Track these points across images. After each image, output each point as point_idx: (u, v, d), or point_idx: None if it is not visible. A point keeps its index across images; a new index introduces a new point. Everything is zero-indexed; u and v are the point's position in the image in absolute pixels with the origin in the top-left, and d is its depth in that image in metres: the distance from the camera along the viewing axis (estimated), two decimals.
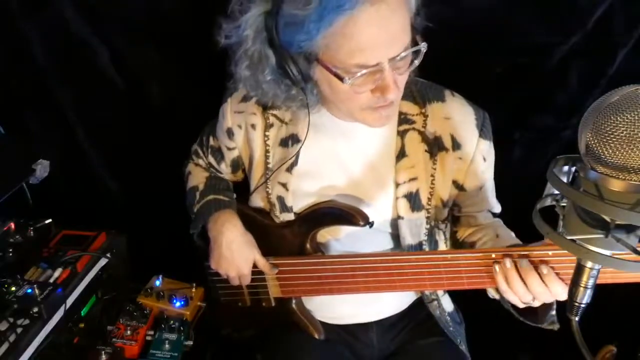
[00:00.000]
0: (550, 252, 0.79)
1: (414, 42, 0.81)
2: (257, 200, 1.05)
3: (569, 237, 0.57)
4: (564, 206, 0.61)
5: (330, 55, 0.78)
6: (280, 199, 1.00)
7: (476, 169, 0.97)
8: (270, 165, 1.00)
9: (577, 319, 0.63)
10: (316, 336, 1.06)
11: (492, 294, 0.94)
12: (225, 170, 1.13)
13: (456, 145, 0.96)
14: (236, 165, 1.10)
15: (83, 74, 1.39)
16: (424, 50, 0.82)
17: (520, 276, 0.79)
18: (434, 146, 0.95)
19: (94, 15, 1.32)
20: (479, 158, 0.97)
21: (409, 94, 0.96)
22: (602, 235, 0.54)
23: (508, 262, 0.80)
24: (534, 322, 0.87)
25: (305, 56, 0.81)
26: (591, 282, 0.60)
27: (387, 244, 1.03)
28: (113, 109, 1.45)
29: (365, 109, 0.86)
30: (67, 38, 1.33)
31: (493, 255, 0.83)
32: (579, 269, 0.61)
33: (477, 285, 0.89)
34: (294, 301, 1.06)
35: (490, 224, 1.02)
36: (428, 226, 0.98)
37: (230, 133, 1.03)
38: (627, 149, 0.49)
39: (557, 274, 0.78)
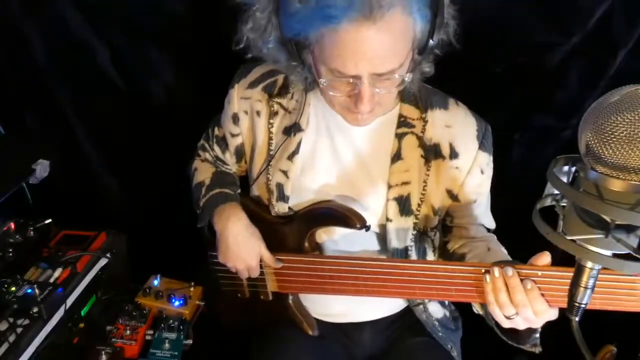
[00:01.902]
0: (539, 273, 0.79)
1: (406, 68, 0.82)
2: (256, 189, 1.06)
3: (569, 237, 0.57)
4: (564, 206, 0.61)
5: (319, 50, 0.80)
6: (279, 186, 1.00)
7: (472, 181, 0.97)
8: (272, 153, 1.01)
9: (577, 319, 0.63)
10: (310, 332, 1.07)
11: (476, 309, 0.94)
12: (229, 160, 1.14)
13: (454, 155, 0.96)
14: (239, 153, 1.10)
15: (83, 74, 1.39)
16: (407, 81, 0.83)
17: (506, 284, 0.79)
18: (431, 152, 0.95)
19: (94, 15, 1.32)
20: (476, 170, 0.97)
21: (412, 99, 0.96)
22: (602, 236, 0.54)
23: (497, 271, 0.80)
24: (516, 342, 0.86)
25: (302, 40, 0.82)
26: (591, 282, 0.60)
27: (374, 245, 1.03)
28: (113, 109, 1.45)
29: (343, 108, 0.88)
30: (67, 38, 1.33)
31: (483, 270, 0.83)
32: (579, 269, 0.61)
33: (465, 299, 0.89)
34: (290, 297, 1.07)
35: (483, 238, 1.01)
36: (415, 232, 0.98)
37: (235, 118, 1.04)
38: (627, 149, 0.49)
39: (543, 295, 0.78)
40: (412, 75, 0.85)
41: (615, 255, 0.56)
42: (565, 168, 0.61)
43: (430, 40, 0.81)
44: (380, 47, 0.76)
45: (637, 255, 0.53)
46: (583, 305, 0.62)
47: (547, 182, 0.60)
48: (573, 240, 0.56)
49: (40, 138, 1.46)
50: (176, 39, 1.35)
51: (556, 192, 0.62)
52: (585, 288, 0.61)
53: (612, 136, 0.50)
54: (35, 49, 1.34)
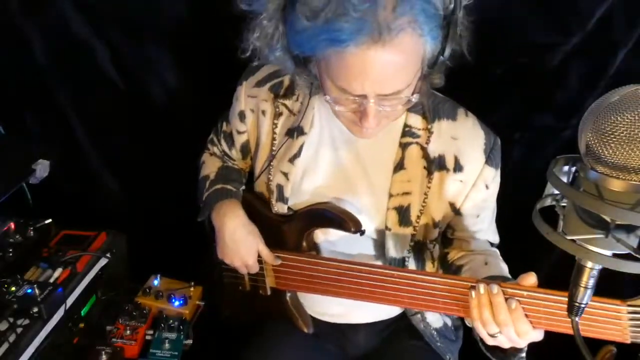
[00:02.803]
0: (525, 293, 0.78)
1: (413, 88, 0.80)
2: (257, 187, 1.07)
3: (569, 237, 0.57)
4: (564, 206, 0.61)
5: (325, 66, 0.79)
6: (279, 188, 1.01)
7: (476, 195, 0.96)
8: (274, 153, 1.01)
9: (577, 319, 0.63)
10: (305, 330, 1.08)
11: (467, 320, 0.93)
12: (235, 156, 1.14)
13: (458, 168, 0.94)
14: (245, 150, 1.11)
15: (83, 74, 1.39)
16: (414, 101, 0.82)
17: (490, 302, 0.79)
18: (434, 164, 0.94)
19: (94, 15, 1.32)
20: (481, 185, 0.95)
21: (419, 108, 0.95)
22: (602, 235, 0.55)
23: (482, 287, 0.80)
24: (501, 359, 0.86)
25: (308, 55, 0.81)
26: (591, 282, 0.60)
27: (371, 251, 1.03)
28: (113, 109, 1.45)
29: (349, 121, 0.87)
30: (67, 38, 1.33)
31: (469, 286, 0.83)
32: (579, 269, 0.61)
33: (452, 312, 0.90)
34: (288, 293, 1.08)
35: (483, 252, 1.00)
36: (412, 243, 0.97)
37: (242, 116, 1.05)
38: (627, 149, 0.49)
39: (527, 315, 0.78)
40: (421, 89, 0.83)
41: (615, 255, 0.56)
42: (565, 168, 0.61)
43: (441, 57, 0.79)
44: (387, 70, 0.74)
45: (637, 255, 0.53)
46: (583, 305, 0.62)
47: (547, 182, 0.60)
48: (573, 240, 0.57)
49: (40, 138, 1.46)
50: (176, 39, 1.35)
51: (556, 192, 0.62)
52: (585, 288, 0.61)
53: (612, 136, 0.50)
54: (35, 49, 1.34)
